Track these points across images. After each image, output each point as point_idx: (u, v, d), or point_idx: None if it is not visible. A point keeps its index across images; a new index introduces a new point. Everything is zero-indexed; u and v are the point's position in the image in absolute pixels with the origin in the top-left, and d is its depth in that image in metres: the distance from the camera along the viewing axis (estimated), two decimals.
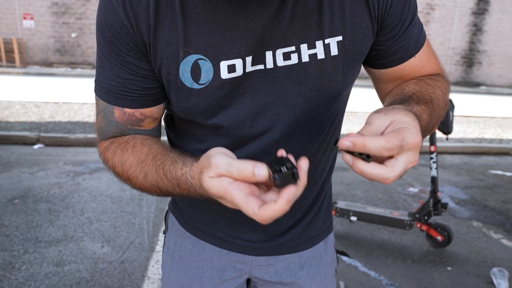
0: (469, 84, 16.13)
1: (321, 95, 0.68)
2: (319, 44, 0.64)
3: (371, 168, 0.50)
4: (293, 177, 0.48)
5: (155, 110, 0.71)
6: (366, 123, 0.53)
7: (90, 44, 13.65)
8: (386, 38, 0.69)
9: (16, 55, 12.63)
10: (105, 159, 0.72)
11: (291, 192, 0.48)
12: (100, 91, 0.69)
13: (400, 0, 0.66)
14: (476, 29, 15.75)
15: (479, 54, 16.06)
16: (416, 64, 0.73)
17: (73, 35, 13.51)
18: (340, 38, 0.65)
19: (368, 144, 0.48)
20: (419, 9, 15.06)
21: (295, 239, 0.86)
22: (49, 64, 13.48)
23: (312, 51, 0.64)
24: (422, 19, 15.05)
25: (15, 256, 2.38)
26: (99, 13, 0.64)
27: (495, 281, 2.33)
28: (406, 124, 0.51)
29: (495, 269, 2.40)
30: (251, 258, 0.85)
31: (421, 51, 0.73)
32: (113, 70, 0.65)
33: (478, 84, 16.21)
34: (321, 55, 0.65)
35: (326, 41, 0.64)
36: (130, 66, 0.65)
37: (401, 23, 0.68)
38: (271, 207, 0.48)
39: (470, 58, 16.07)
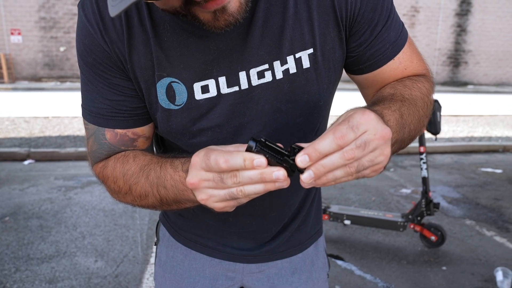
0: (457, 83, 16.37)
1: (296, 107, 0.68)
2: (290, 59, 0.65)
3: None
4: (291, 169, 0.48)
5: (146, 129, 0.71)
6: None
7: None
8: (357, 44, 0.68)
9: (4, 70, 12.52)
10: (104, 177, 0.71)
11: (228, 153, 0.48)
12: (89, 115, 0.69)
13: (369, 6, 0.65)
14: (461, 30, 16.03)
15: (464, 54, 16.33)
16: (396, 67, 0.71)
17: (62, 49, 13.44)
18: (311, 50, 0.65)
19: (318, 146, 0.46)
20: (404, 11, 15.39)
21: (284, 244, 0.86)
22: (38, 79, 13.39)
23: (285, 67, 0.65)
24: (407, 22, 15.28)
25: (6, 275, 2.34)
26: (77, 40, 0.65)
27: (498, 280, 2.34)
28: (348, 113, 0.50)
29: (499, 268, 2.41)
30: (242, 265, 0.85)
31: (401, 53, 0.70)
32: (100, 93, 0.66)
33: (465, 84, 16.45)
34: (292, 70, 0.65)
35: (297, 55, 0.65)
36: (117, 87, 0.65)
37: (371, 28, 0.67)
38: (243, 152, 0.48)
39: (456, 58, 16.32)
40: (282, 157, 0.48)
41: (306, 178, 0.48)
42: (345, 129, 0.46)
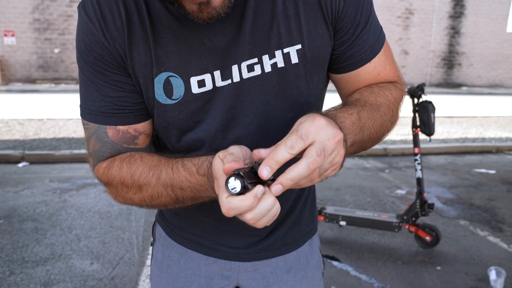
0: (451, 85, 16.50)
1: (285, 101, 0.70)
2: (278, 53, 0.68)
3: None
4: (241, 190, 0.50)
5: (147, 125, 0.72)
6: None
7: (73, 59, 13.53)
8: (340, 42, 0.70)
9: None
10: (109, 178, 0.71)
11: (232, 202, 0.51)
12: (89, 114, 0.70)
13: (352, 5, 0.68)
14: (454, 32, 16.18)
15: (458, 56, 16.48)
16: (371, 70, 0.73)
17: (56, 50, 13.39)
18: (299, 46, 0.68)
19: (275, 156, 0.50)
20: (398, 14, 15.52)
21: (279, 241, 0.87)
22: (32, 81, 13.31)
23: (273, 61, 0.68)
24: (401, 24, 15.42)
25: (1, 279, 2.32)
26: (78, 39, 0.67)
27: (491, 280, 2.36)
28: (299, 122, 0.55)
29: (492, 268, 2.43)
30: (237, 264, 0.86)
31: (377, 58, 0.73)
32: (100, 91, 0.67)
33: (459, 85, 16.60)
34: (280, 64, 0.68)
35: (285, 50, 0.68)
36: (118, 83, 0.67)
37: (354, 28, 0.69)
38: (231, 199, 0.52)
39: (450, 60, 16.47)
40: (261, 180, 0.52)
41: (275, 191, 0.52)
42: (294, 139, 0.51)
